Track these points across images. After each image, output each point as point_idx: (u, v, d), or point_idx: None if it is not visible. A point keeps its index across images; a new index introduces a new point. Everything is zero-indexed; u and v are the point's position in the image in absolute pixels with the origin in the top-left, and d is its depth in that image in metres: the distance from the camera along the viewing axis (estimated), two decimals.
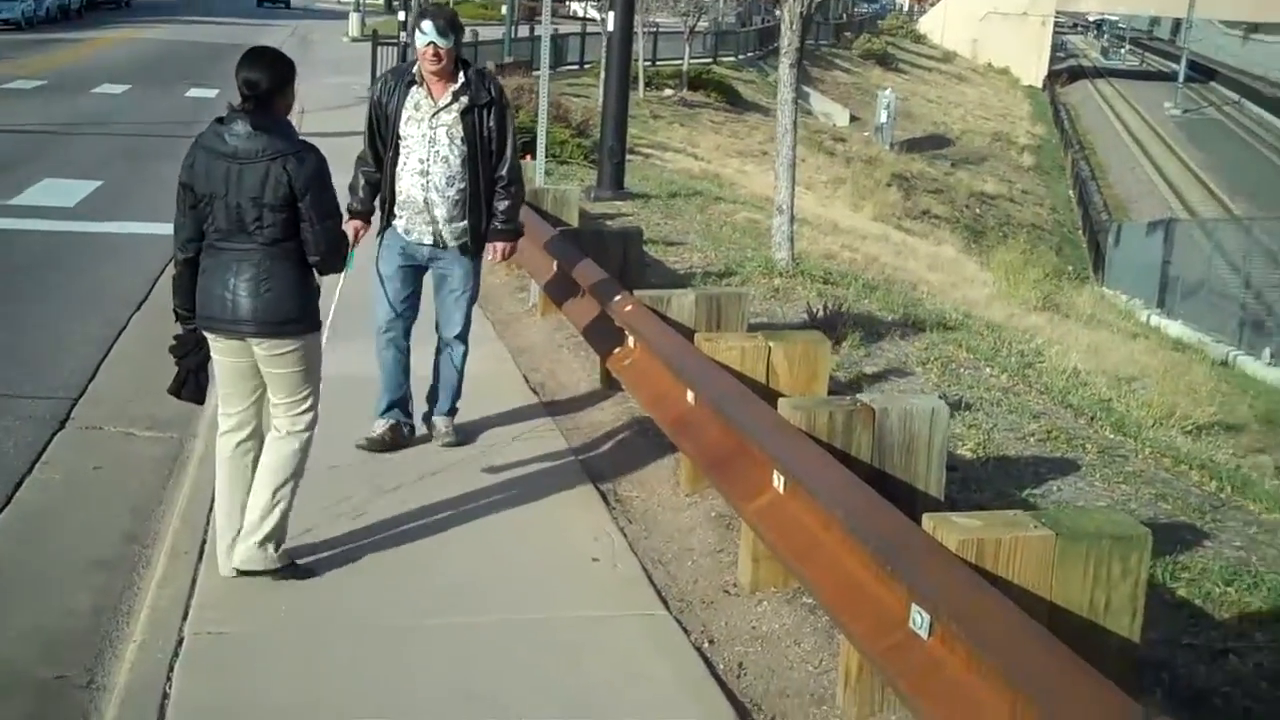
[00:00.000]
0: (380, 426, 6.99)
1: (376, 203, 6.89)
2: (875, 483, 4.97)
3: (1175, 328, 21.76)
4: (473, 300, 7.12)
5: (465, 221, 6.80)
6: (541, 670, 4.82)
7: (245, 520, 5.38)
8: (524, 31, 37.00)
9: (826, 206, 23.47)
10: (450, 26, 6.59)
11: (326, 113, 20.87)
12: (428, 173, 6.71)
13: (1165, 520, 6.53)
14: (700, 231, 14.60)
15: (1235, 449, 10.24)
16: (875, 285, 12.85)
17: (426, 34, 6.53)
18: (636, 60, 28.33)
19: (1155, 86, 69.77)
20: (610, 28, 16.22)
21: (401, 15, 34.83)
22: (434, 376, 7.20)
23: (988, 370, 9.42)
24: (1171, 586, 5.69)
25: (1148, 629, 4.83)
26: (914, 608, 4.03)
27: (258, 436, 5.46)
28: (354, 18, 48.08)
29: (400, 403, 7.09)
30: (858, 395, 5.77)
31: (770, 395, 6.14)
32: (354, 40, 43.93)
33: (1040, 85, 70.48)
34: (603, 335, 7.98)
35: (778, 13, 12.66)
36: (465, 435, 7.22)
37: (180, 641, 4.92)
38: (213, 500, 5.65)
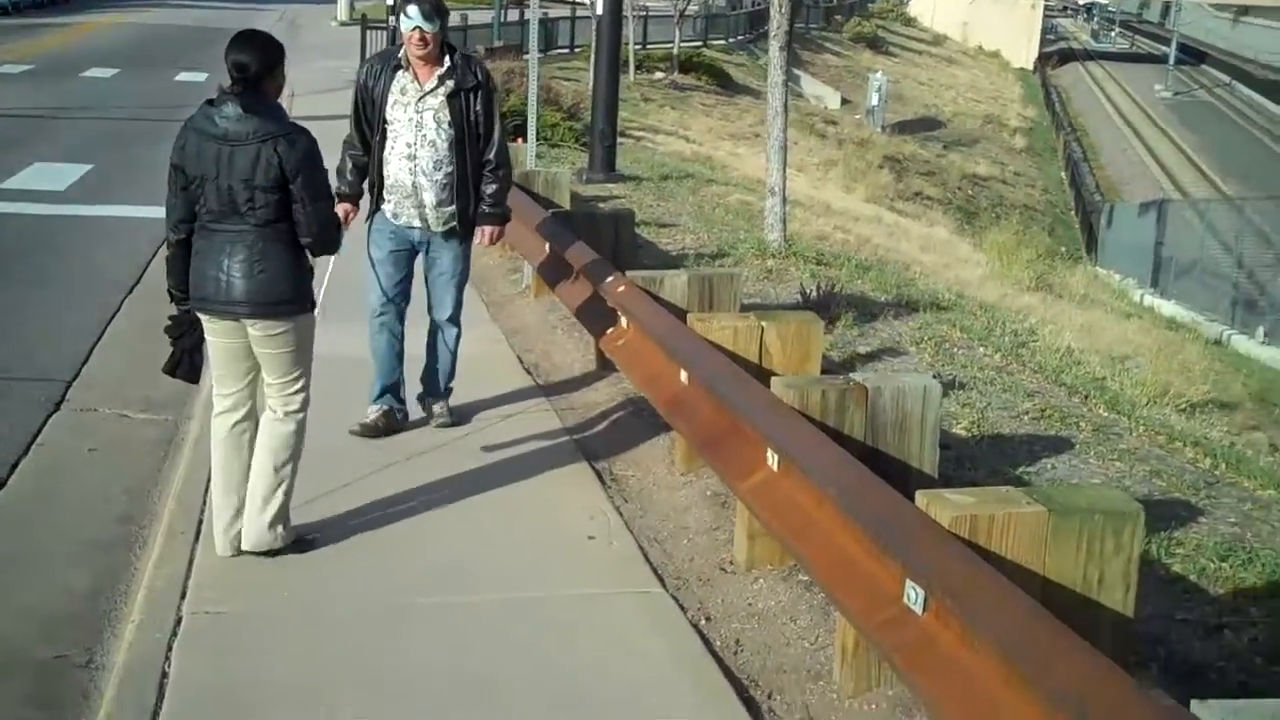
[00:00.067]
0: (374, 412, 7.00)
1: (365, 186, 6.89)
2: (869, 461, 4.98)
3: (1168, 307, 21.82)
4: (463, 283, 7.12)
5: (453, 206, 6.80)
6: (538, 648, 4.84)
7: (249, 503, 5.41)
8: (513, 15, 36.86)
9: (819, 188, 23.47)
10: (436, 11, 6.57)
11: (316, 96, 20.79)
12: (415, 157, 6.70)
13: (1160, 497, 6.56)
14: (692, 213, 14.60)
15: (1229, 427, 10.27)
16: (868, 266, 12.86)
17: (412, 18, 6.51)
18: (626, 44, 28.23)
19: (1146, 69, 69.79)
20: (599, 11, 16.20)
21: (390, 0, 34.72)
22: (427, 358, 7.21)
23: (981, 350, 9.44)
24: (1166, 562, 5.71)
25: (1143, 604, 4.87)
26: (908, 583, 4.05)
27: (253, 417, 5.48)
28: (342, 2, 47.86)
29: (393, 388, 7.09)
30: (850, 374, 5.78)
31: (763, 375, 6.15)
32: (342, 24, 43.72)
33: (1031, 68, 70.44)
34: (596, 316, 7.98)
35: None
36: (460, 416, 7.23)
37: (179, 621, 4.94)
38: (208, 481, 5.67)
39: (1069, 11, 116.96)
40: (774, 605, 5.22)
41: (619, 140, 17.18)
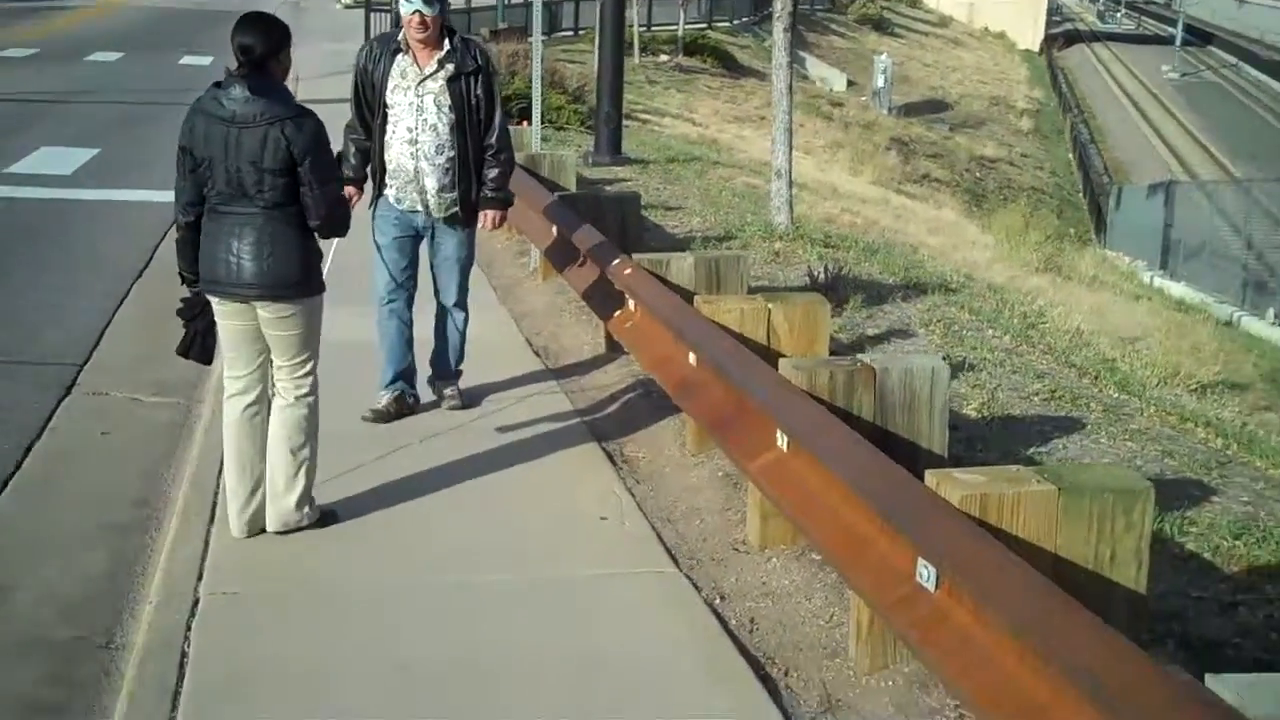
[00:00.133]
0: (385, 398, 7.01)
1: (368, 171, 6.89)
2: (878, 442, 5.00)
3: (1178, 289, 21.80)
4: (468, 267, 7.12)
5: (455, 191, 6.79)
6: (553, 628, 4.87)
7: (271, 487, 5.47)
8: None
9: (825, 171, 23.44)
10: None
11: (321, 79, 20.78)
12: (416, 141, 6.70)
13: (1172, 476, 6.57)
14: (699, 196, 14.60)
15: (1241, 407, 10.29)
16: (876, 248, 12.85)
17: (412, 2, 6.50)
18: (631, 26, 28.21)
19: (1152, 50, 69.49)
20: None
21: None
22: (436, 342, 7.23)
23: (990, 331, 9.45)
24: (1180, 541, 5.72)
25: (1157, 582, 4.89)
26: (920, 561, 4.06)
27: (265, 400, 5.52)
28: None
29: (405, 374, 7.10)
30: (858, 355, 5.79)
31: (771, 357, 6.17)
32: (346, 7, 43.62)
33: (1037, 49, 70.16)
34: (604, 299, 7.99)
35: None
36: (470, 399, 7.25)
37: (196, 602, 4.97)
38: (221, 463, 5.69)
39: None
40: (788, 584, 5.24)
41: (624, 123, 17.17)
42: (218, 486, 5.88)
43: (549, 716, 4.26)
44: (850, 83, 42.97)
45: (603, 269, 7.91)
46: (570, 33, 34.57)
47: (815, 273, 10.21)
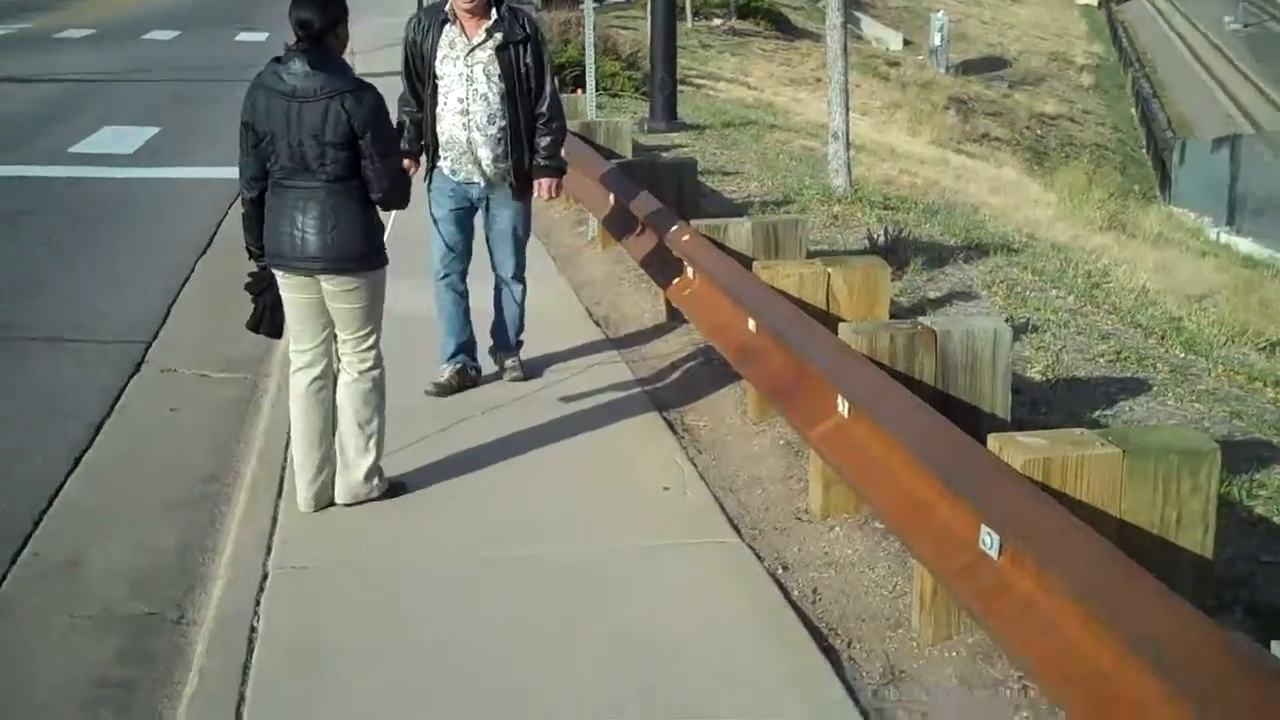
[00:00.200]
0: (447, 371, 7.04)
1: (422, 143, 6.90)
2: (939, 406, 4.96)
3: (1245, 244, 21.46)
4: (525, 239, 7.11)
5: (509, 161, 6.79)
6: (616, 598, 4.90)
7: (340, 460, 5.55)
8: None
9: (883, 132, 23.25)
10: None
11: (376, 53, 20.85)
12: (468, 111, 6.69)
13: (1240, 438, 6.47)
14: (756, 160, 14.53)
15: None
16: (936, 209, 12.74)
17: None
18: None
19: (1214, 1, 68.23)
20: None
21: None
22: (495, 314, 7.25)
23: (1054, 292, 9.35)
24: (1249, 504, 5.63)
25: (1225, 547, 4.83)
26: (983, 528, 4.03)
27: (330, 373, 5.58)
28: None
29: (466, 346, 7.12)
30: (919, 318, 5.75)
31: (831, 321, 6.14)
32: None
33: (1096, 3, 69.06)
34: (662, 266, 7.99)
35: None
36: (532, 370, 7.28)
37: (265, 576, 5.04)
38: (288, 438, 5.76)
39: None
40: (850, 554, 5.23)
41: (679, 88, 17.10)
42: (285, 461, 5.96)
43: (610, 687, 4.29)
44: (906, 42, 42.52)
45: (660, 236, 7.90)
46: None
47: (874, 235, 10.14)
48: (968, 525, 4.14)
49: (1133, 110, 44.07)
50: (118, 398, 7.12)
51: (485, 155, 6.74)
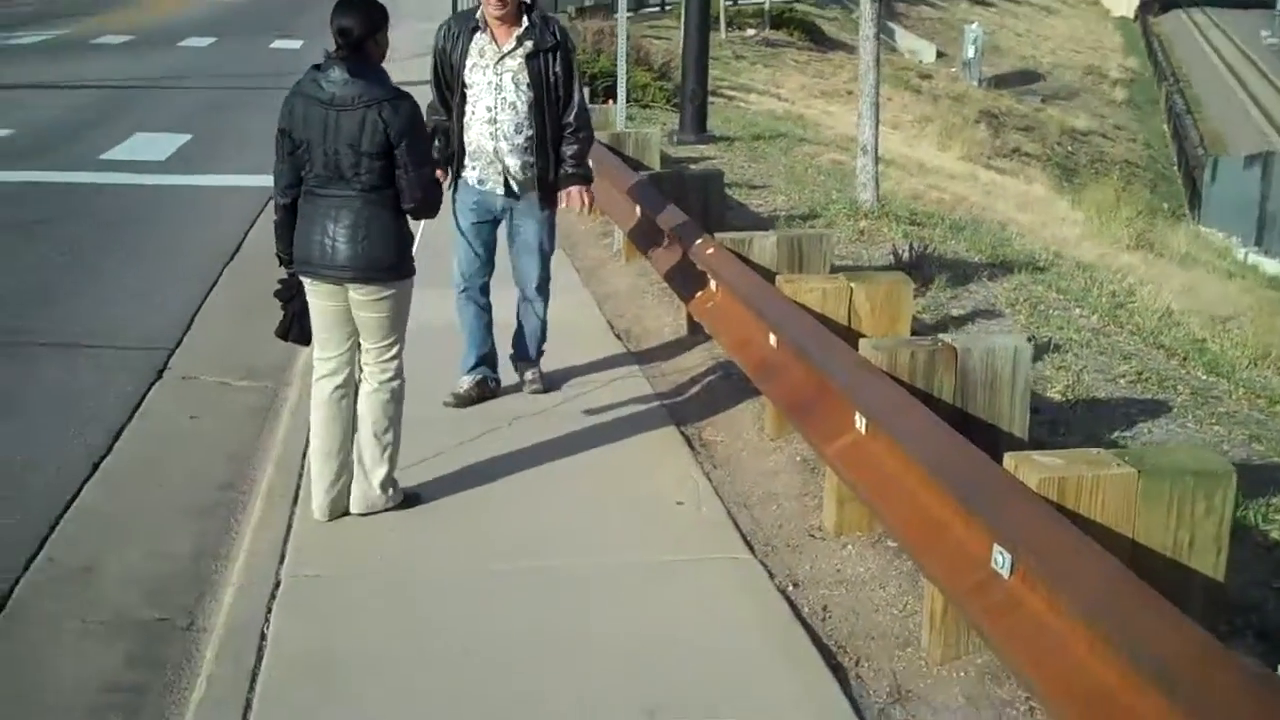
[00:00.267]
0: (467, 383, 7.05)
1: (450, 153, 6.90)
2: (958, 424, 4.95)
3: (1273, 266, 21.30)
4: (549, 252, 7.07)
5: (534, 170, 6.77)
6: (627, 612, 4.89)
7: (357, 469, 5.56)
8: None
9: (913, 146, 23.19)
10: None
11: (412, 60, 20.95)
12: (496, 120, 6.67)
13: (1259, 462, 6.42)
14: (784, 174, 14.51)
15: None
16: (963, 226, 12.70)
17: None
18: (717, 0, 28.05)
19: (1253, 15, 67.74)
20: None
21: None
22: (517, 324, 7.25)
23: (1078, 311, 9.30)
24: (1265, 529, 5.59)
25: (1239, 572, 4.80)
26: (995, 547, 4.02)
27: (353, 382, 5.59)
28: None
29: (486, 358, 7.13)
30: (940, 335, 5.74)
31: (852, 337, 6.13)
32: None
33: (1132, 16, 68.77)
34: (685, 279, 7.98)
35: None
36: (552, 382, 7.28)
37: (277, 584, 5.06)
38: (306, 447, 5.78)
39: None
40: (862, 572, 5.22)
41: (710, 100, 17.09)
42: (302, 469, 5.99)
43: (618, 701, 4.28)
44: (940, 54, 42.44)
45: (685, 249, 7.90)
46: (657, 9, 34.51)
47: (900, 251, 10.11)
48: (980, 543, 4.13)
49: (1165, 126, 43.83)
50: (138, 404, 7.16)
51: (512, 164, 6.73)
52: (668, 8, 33.80)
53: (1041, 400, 6.92)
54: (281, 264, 5.60)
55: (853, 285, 6.57)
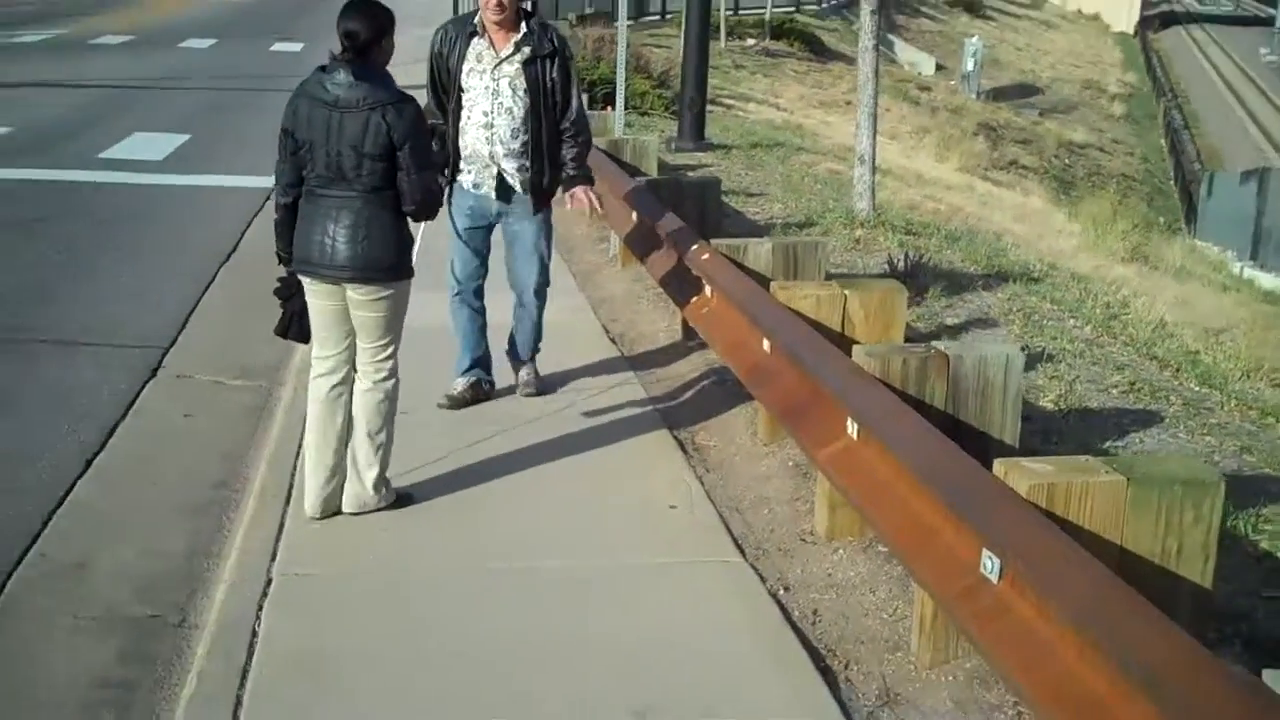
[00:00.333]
0: (461, 385, 7.06)
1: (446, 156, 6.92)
2: (950, 431, 4.97)
3: (1268, 280, 21.37)
4: (546, 259, 7.07)
5: (529, 175, 6.77)
6: (616, 616, 4.90)
7: (350, 469, 5.58)
8: None
9: (910, 157, 23.24)
10: None
11: (415, 65, 21.00)
12: (492, 125, 6.68)
13: (1250, 473, 6.45)
14: (781, 183, 14.54)
15: None
16: (958, 236, 12.73)
17: None
18: (718, 10, 28.10)
19: (1252, 32, 68.01)
20: None
21: None
22: (514, 325, 7.27)
23: (1072, 322, 9.34)
24: (1254, 539, 5.62)
25: (1229, 581, 4.82)
26: (984, 552, 4.04)
27: (350, 381, 5.61)
28: None
29: (481, 361, 7.14)
30: (932, 343, 5.76)
31: (846, 344, 6.14)
32: None
33: (1132, 32, 68.94)
34: (681, 285, 8.00)
35: None
36: (546, 386, 7.30)
37: (269, 582, 5.07)
38: (299, 446, 5.79)
39: None
40: (853, 576, 5.23)
41: (709, 108, 17.14)
42: (295, 468, 6.00)
43: (609, 702, 4.30)
44: (939, 66, 42.51)
45: (680, 255, 7.92)
46: (657, 17, 34.55)
47: (895, 260, 10.14)
48: (970, 549, 4.15)
49: (1163, 141, 43.92)
50: (132, 402, 7.17)
51: (508, 168, 6.74)
52: (668, 16, 33.83)
53: (1034, 409, 6.95)
54: (281, 262, 5.62)
55: (847, 292, 6.59)
